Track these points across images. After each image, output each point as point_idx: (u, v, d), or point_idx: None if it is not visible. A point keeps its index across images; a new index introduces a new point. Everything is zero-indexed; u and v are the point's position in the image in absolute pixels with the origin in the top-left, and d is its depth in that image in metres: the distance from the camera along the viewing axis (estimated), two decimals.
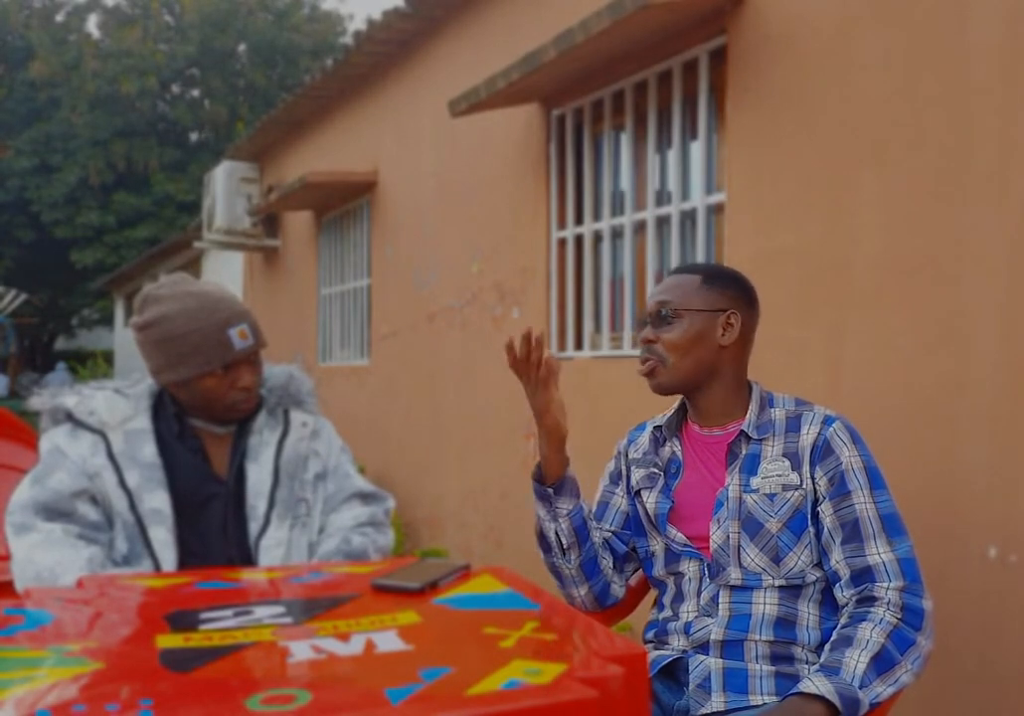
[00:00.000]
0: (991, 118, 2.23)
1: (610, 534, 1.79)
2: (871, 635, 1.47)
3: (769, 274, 2.91)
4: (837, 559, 1.56)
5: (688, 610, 1.65)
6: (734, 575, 1.60)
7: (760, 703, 1.52)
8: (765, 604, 1.59)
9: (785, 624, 1.58)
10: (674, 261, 3.49)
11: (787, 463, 1.60)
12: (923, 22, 2.40)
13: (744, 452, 1.64)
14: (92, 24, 23.17)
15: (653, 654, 1.66)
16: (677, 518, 1.69)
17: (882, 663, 1.45)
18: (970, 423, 2.26)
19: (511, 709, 0.89)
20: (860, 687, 1.42)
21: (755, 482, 1.60)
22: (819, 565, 1.60)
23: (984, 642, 2.22)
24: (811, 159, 2.75)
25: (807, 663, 1.56)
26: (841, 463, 1.58)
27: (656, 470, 1.73)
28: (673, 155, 3.51)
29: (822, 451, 1.59)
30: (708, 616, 1.62)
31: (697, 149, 3.41)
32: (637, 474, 1.76)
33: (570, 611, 1.20)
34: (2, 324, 18.43)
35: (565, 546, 1.70)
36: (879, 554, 1.53)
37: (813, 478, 1.59)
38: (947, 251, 2.32)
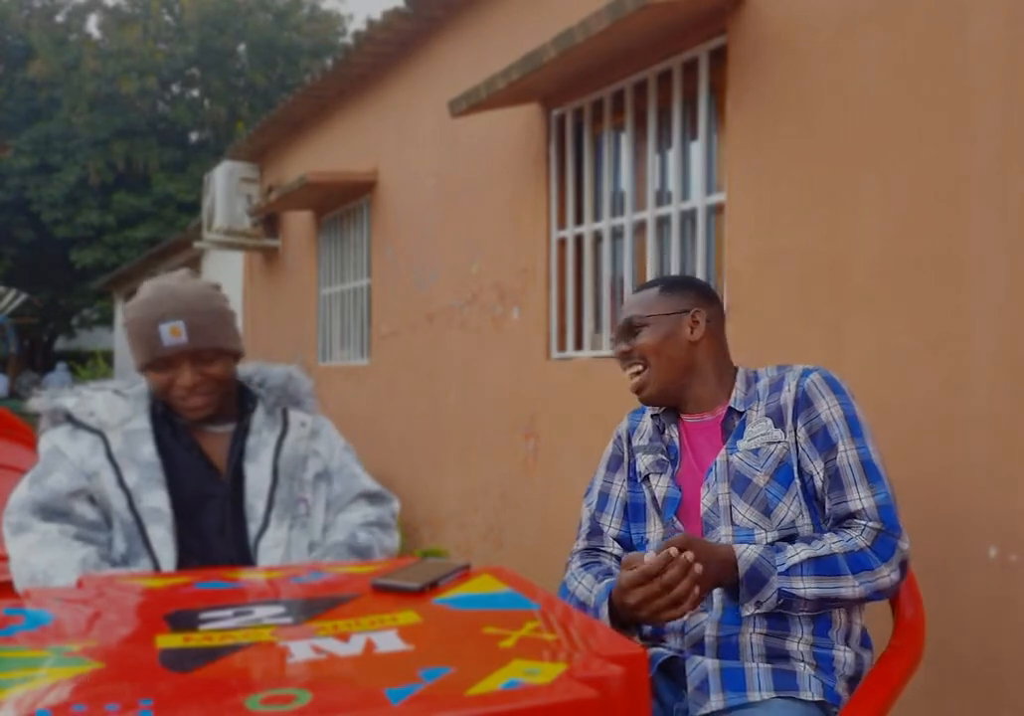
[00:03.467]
0: (991, 118, 2.23)
1: (617, 530, 1.80)
2: (829, 544, 1.54)
3: (769, 274, 2.92)
4: (826, 509, 1.63)
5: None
6: (724, 532, 1.64)
7: (758, 699, 1.52)
8: None
9: (778, 616, 1.58)
10: (674, 261, 3.49)
11: (770, 422, 1.67)
12: (923, 22, 2.40)
13: (735, 425, 1.71)
14: (92, 24, 23.18)
15: (651, 651, 1.66)
16: (680, 508, 1.71)
17: (823, 566, 1.52)
18: (970, 423, 2.26)
19: (511, 709, 0.89)
20: (781, 574, 1.51)
21: (741, 444, 1.67)
22: (808, 515, 1.64)
23: (985, 641, 2.22)
24: (811, 159, 2.75)
25: (803, 661, 1.56)
26: (820, 414, 1.64)
27: (663, 457, 1.76)
28: (673, 155, 3.51)
29: (802, 403, 1.65)
30: (702, 611, 1.62)
31: (697, 149, 3.41)
32: (645, 460, 1.79)
33: (570, 611, 1.20)
34: (2, 324, 18.41)
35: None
36: (860, 499, 1.59)
37: (796, 430, 1.65)
38: (947, 251, 2.32)
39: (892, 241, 2.48)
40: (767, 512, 1.63)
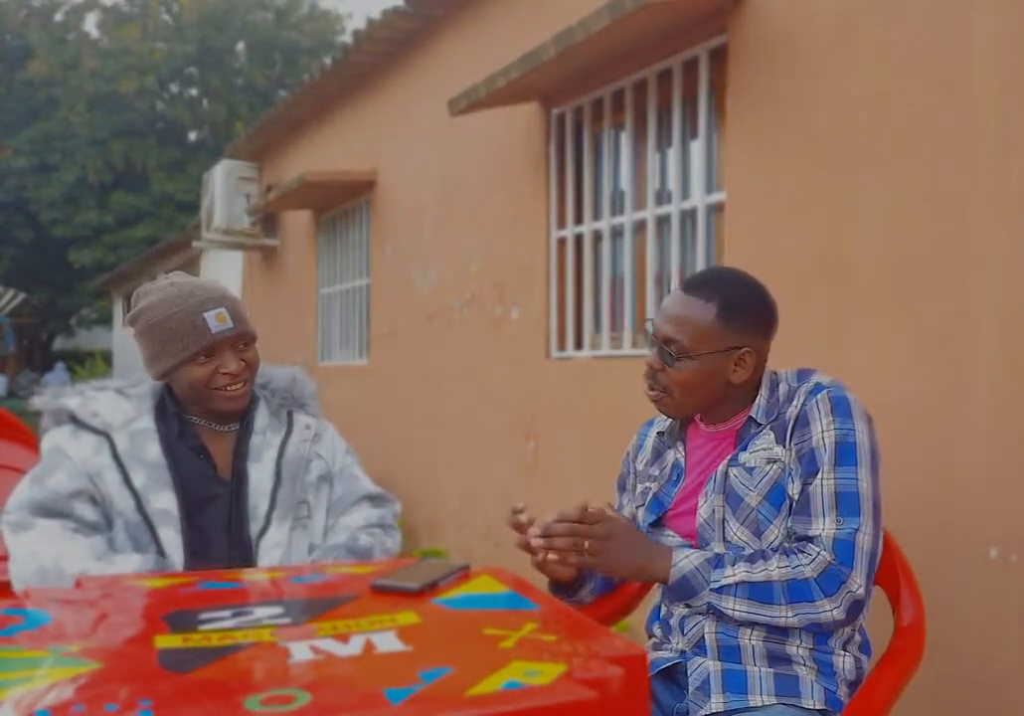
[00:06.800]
0: (991, 118, 2.22)
1: None
2: (774, 568, 1.49)
3: (768, 274, 2.90)
4: (788, 529, 1.55)
5: (679, 607, 1.65)
6: (717, 549, 1.60)
7: (759, 704, 1.52)
8: None
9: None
10: (674, 261, 3.48)
11: (772, 436, 1.58)
12: (923, 22, 2.40)
13: (750, 434, 1.63)
14: (90, 23, 23.21)
15: (653, 655, 1.66)
16: (675, 519, 1.69)
17: (757, 592, 1.49)
18: (970, 423, 2.26)
19: (511, 710, 0.89)
20: (713, 590, 1.51)
21: (742, 457, 1.60)
22: None
23: (986, 642, 2.22)
24: (811, 158, 2.75)
25: (805, 665, 1.56)
26: (812, 437, 1.54)
27: (649, 485, 1.75)
28: (673, 154, 3.51)
29: (801, 422, 1.56)
30: (699, 614, 1.61)
31: (697, 148, 3.41)
32: (638, 490, 1.79)
33: (570, 612, 1.20)
34: (1, 324, 18.42)
35: (586, 603, 1.83)
36: (822, 528, 1.49)
37: (790, 450, 1.57)
38: (947, 251, 2.32)
39: (892, 241, 2.47)
40: (757, 533, 1.57)
